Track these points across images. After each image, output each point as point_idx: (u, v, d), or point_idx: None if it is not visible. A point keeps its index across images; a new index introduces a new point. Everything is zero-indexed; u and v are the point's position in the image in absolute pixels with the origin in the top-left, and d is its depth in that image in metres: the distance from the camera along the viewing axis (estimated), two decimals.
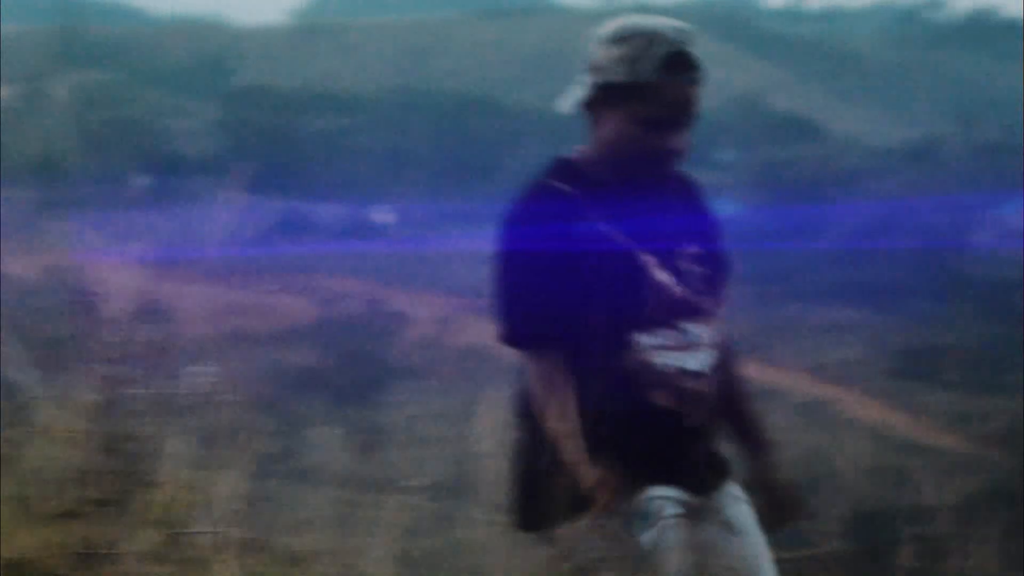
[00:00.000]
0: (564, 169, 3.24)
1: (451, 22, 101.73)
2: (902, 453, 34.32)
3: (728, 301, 3.28)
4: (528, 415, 3.19)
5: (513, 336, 3.16)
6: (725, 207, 56.22)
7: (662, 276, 3.17)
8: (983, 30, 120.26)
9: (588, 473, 3.05)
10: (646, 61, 3.14)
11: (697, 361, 3.19)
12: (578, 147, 3.27)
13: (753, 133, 69.25)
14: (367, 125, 64.03)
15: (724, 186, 57.05)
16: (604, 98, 3.19)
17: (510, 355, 3.23)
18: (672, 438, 3.17)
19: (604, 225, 3.15)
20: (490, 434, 4.36)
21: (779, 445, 3.33)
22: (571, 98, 3.24)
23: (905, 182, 64.24)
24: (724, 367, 3.30)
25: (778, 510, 3.30)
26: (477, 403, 4.69)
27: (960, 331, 47.39)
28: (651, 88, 3.14)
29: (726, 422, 3.31)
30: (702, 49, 3.18)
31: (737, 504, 3.28)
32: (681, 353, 3.17)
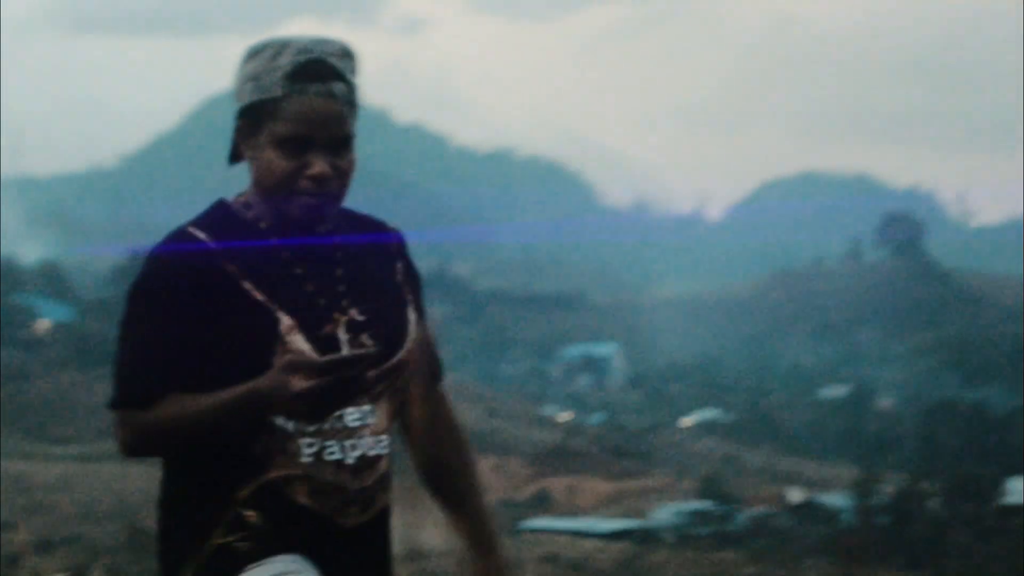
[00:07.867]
0: (213, 215, 2.71)
1: None
2: None
3: (435, 373, 2.81)
4: (175, 504, 2.68)
5: (125, 400, 2.59)
6: None
7: (300, 344, 2.60)
8: None
9: (248, 389, 2.52)
10: (273, 73, 2.64)
11: (356, 451, 2.65)
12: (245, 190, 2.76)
13: None
14: None
15: None
16: (243, 126, 2.68)
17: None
18: (320, 543, 2.62)
19: (242, 280, 2.63)
20: None
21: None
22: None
23: None
24: (437, 452, 2.85)
25: None
26: None
27: None
28: (278, 103, 2.63)
29: (446, 513, 2.87)
30: None
31: None
32: (334, 441, 2.62)
